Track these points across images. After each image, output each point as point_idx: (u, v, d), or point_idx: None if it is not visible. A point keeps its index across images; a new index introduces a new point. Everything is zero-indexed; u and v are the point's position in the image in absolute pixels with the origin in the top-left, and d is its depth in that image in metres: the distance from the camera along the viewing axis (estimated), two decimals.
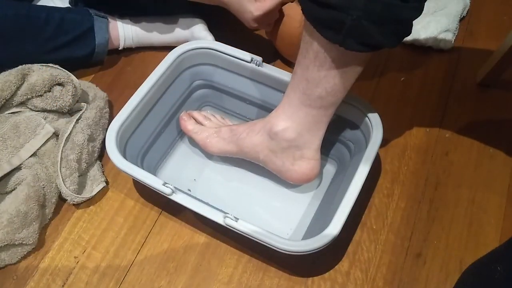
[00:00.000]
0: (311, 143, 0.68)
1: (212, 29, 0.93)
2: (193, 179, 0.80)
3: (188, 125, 0.80)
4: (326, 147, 0.78)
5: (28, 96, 0.79)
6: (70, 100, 0.79)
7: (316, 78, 0.61)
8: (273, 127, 0.69)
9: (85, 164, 0.78)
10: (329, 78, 0.60)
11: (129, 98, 0.73)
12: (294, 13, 0.85)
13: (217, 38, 0.92)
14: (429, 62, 0.96)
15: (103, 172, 0.81)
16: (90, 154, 0.79)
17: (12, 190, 0.75)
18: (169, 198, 0.66)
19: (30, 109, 0.81)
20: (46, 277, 0.72)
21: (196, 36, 0.92)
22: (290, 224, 0.75)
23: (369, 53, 0.57)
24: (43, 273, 0.72)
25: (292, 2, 0.86)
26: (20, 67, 0.80)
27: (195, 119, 0.81)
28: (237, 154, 0.76)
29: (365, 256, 0.73)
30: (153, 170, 0.79)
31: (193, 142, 0.82)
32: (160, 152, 0.81)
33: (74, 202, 0.77)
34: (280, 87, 0.77)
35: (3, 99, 0.78)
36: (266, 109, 0.82)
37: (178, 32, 0.93)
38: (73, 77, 0.80)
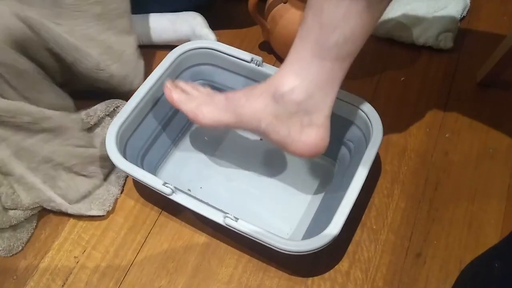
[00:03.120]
0: (323, 105, 0.59)
1: (213, 28, 0.93)
2: (193, 179, 0.80)
3: (174, 94, 0.69)
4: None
5: None
6: None
7: (333, 20, 0.52)
8: (279, 87, 0.59)
9: None
10: (349, 18, 0.52)
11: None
12: (289, 15, 0.85)
13: (217, 38, 0.92)
14: (429, 62, 0.96)
15: None
16: None
17: None
18: (169, 198, 0.66)
19: None
20: (46, 277, 0.72)
21: (198, 34, 0.92)
22: (290, 224, 0.75)
23: None
24: (43, 273, 0.72)
25: (285, 3, 0.86)
26: None
27: (182, 90, 0.71)
28: (234, 124, 0.66)
29: (365, 256, 0.73)
30: (153, 170, 0.79)
31: (194, 142, 0.82)
32: (160, 152, 0.81)
33: None
34: None
35: None
36: None
37: (179, 30, 0.93)
38: None
